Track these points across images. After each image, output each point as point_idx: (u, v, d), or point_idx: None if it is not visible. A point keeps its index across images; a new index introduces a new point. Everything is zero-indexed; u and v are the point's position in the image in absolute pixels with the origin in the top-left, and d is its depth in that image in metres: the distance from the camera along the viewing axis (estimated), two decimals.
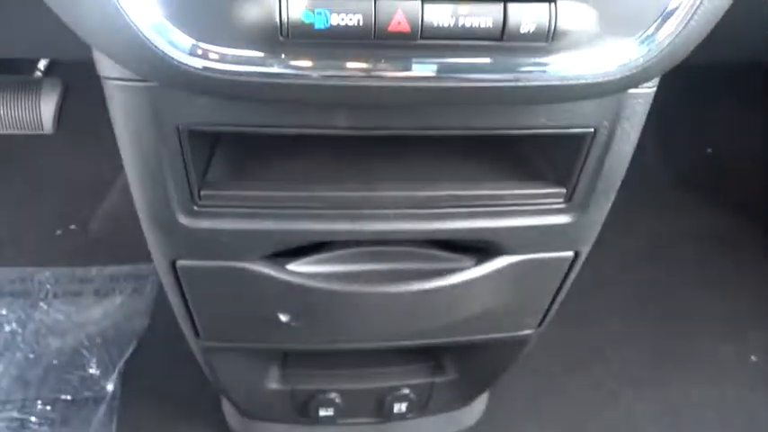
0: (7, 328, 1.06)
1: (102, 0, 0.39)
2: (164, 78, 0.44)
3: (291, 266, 0.61)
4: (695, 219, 1.35)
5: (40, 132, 1.32)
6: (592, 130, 0.53)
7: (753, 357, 1.15)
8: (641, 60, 0.43)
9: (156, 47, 0.40)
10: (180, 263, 0.60)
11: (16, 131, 1.30)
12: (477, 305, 0.68)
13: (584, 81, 0.44)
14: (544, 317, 0.73)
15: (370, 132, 0.52)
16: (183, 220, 0.56)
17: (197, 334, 0.69)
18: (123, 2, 0.39)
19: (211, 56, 0.41)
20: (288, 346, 0.73)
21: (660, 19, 0.42)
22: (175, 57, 0.41)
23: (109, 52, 0.44)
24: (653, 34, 0.43)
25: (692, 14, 0.42)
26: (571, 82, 0.44)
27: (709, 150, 1.42)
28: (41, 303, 1.12)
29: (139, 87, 0.47)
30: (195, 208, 0.55)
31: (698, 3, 0.42)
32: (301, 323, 0.65)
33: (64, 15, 0.43)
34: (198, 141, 0.52)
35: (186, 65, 0.41)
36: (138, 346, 1.06)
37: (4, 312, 1.07)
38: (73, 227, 1.24)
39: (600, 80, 0.44)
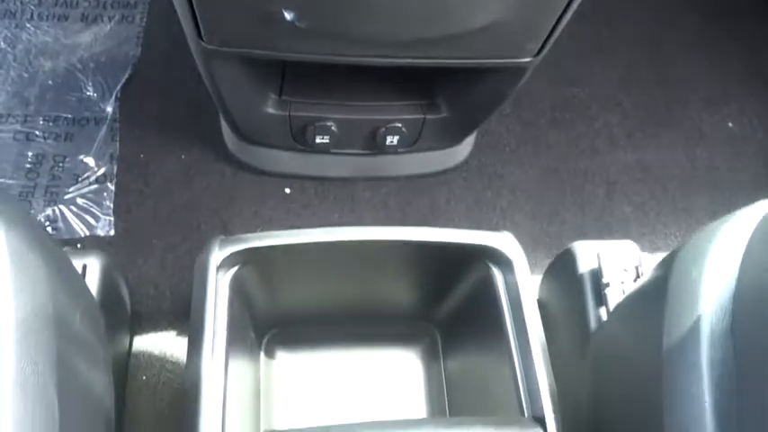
0: None
1: None
2: None
3: None
4: None
5: None
6: None
7: (729, 124, 1.20)
8: None
9: None
10: None
11: None
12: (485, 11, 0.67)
13: None
14: (545, 43, 0.74)
15: None
16: None
17: (200, 35, 0.69)
18: None
19: None
20: (289, 54, 0.73)
21: None
22: None
23: None
24: None
25: None
26: None
27: None
28: (28, 24, 1.08)
29: None
30: None
31: None
32: (305, 23, 0.64)
33: None
34: None
35: None
36: (132, 72, 1.06)
37: None
38: None
39: None
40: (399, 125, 0.95)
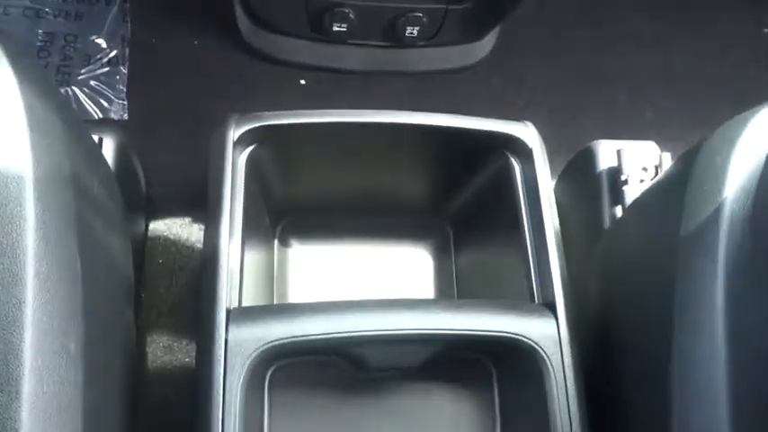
0: None
1: None
2: None
3: None
4: None
5: None
6: None
7: (765, 29, 1.14)
8: None
9: None
10: None
11: None
12: None
13: None
14: None
15: None
16: None
17: None
18: None
19: None
20: None
21: None
22: None
23: None
24: None
25: None
26: None
27: None
28: None
29: None
30: None
31: None
32: None
33: None
34: None
35: None
36: None
37: None
38: None
39: None
40: (420, 14, 0.92)
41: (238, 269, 0.54)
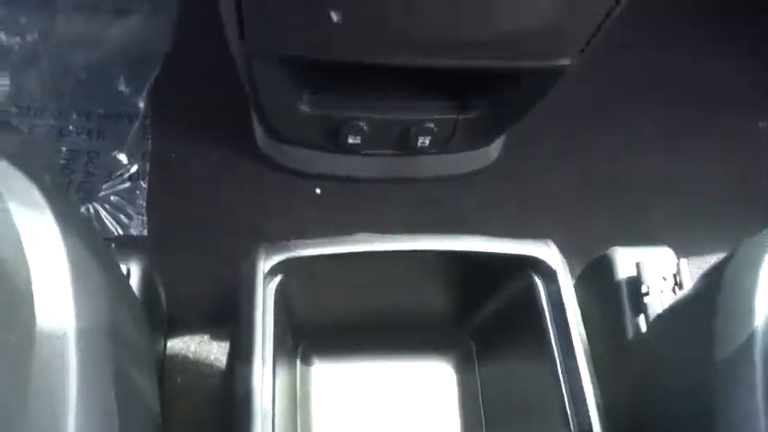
0: (30, 39, 1.04)
1: None
2: None
3: None
4: None
5: None
6: None
7: (761, 123, 1.19)
8: None
9: None
10: None
11: None
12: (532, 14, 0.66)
13: None
14: (587, 44, 0.73)
15: None
16: None
17: (242, 37, 0.68)
18: None
19: None
20: (332, 56, 0.73)
21: None
22: None
23: None
24: None
25: None
26: None
27: None
28: (60, 16, 1.08)
29: None
30: None
31: None
32: (352, 24, 0.64)
33: None
34: None
35: None
36: (164, 67, 1.06)
37: (24, 22, 1.05)
38: None
39: None
40: (432, 125, 0.95)
41: (270, 405, 0.53)
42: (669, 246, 1.00)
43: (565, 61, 0.76)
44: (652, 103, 1.16)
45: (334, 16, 0.62)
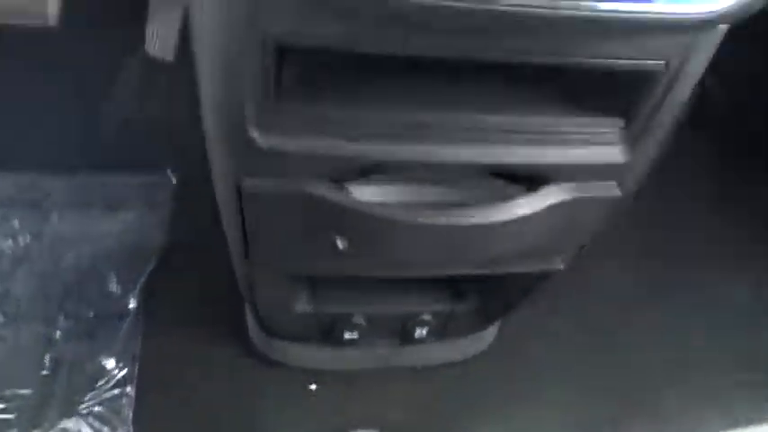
0: (22, 241, 1.04)
1: None
2: None
3: (352, 188, 0.61)
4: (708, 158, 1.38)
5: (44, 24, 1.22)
6: (663, 63, 0.52)
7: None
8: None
9: None
10: (245, 183, 0.59)
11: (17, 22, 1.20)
12: (521, 237, 0.68)
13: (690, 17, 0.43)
14: (576, 254, 0.75)
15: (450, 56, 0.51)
16: (255, 133, 0.54)
17: (246, 255, 0.69)
18: None
19: None
20: (333, 273, 0.74)
21: None
22: None
23: None
24: None
25: None
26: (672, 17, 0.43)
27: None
28: (52, 214, 1.09)
29: None
30: (269, 120, 0.54)
31: None
32: (354, 250, 0.65)
33: None
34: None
35: None
36: (157, 263, 1.06)
37: (17, 225, 1.05)
38: (82, 130, 1.18)
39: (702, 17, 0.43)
40: (428, 317, 0.95)
41: None
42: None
43: (558, 266, 0.78)
44: (635, 284, 1.19)
45: (340, 244, 0.64)
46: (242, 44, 0.48)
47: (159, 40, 0.98)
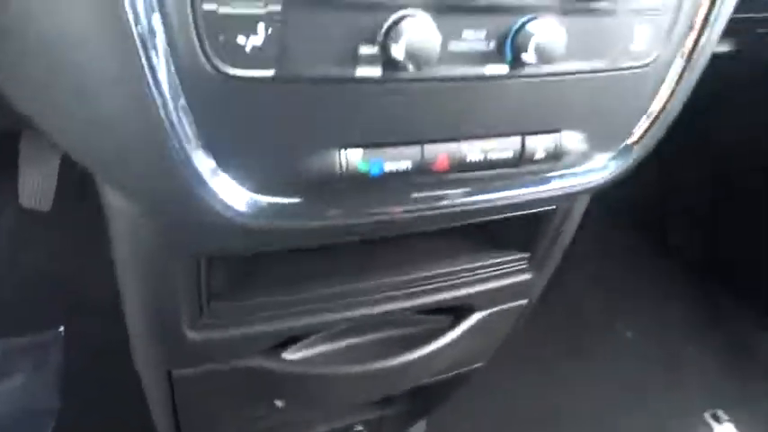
0: None
1: (170, 151, 0.37)
2: (211, 226, 0.44)
3: (286, 355, 0.63)
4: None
5: None
6: (554, 207, 0.61)
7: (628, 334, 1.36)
8: (618, 168, 0.52)
9: (216, 198, 0.40)
10: (177, 373, 0.59)
11: None
12: (447, 357, 0.74)
13: (579, 188, 0.51)
14: (494, 353, 0.82)
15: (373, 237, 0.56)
16: (189, 332, 0.55)
17: None
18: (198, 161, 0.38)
19: (265, 206, 0.42)
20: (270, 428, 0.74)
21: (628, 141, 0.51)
22: (232, 208, 0.41)
23: (154, 193, 0.42)
24: (629, 146, 0.52)
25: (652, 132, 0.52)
26: (568, 190, 0.51)
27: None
28: None
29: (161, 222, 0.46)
30: (203, 321, 0.55)
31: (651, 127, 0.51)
32: (290, 408, 0.67)
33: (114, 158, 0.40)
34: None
35: (240, 215, 0.41)
36: (55, 426, 0.97)
37: None
38: None
39: (590, 186, 0.52)
40: (361, 428, 0.96)
41: None
42: None
43: (479, 364, 0.84)
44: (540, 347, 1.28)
45: (279, 404, 0.65)
46: (174, 262, 0.49)
47: (35, 191, 0.94)
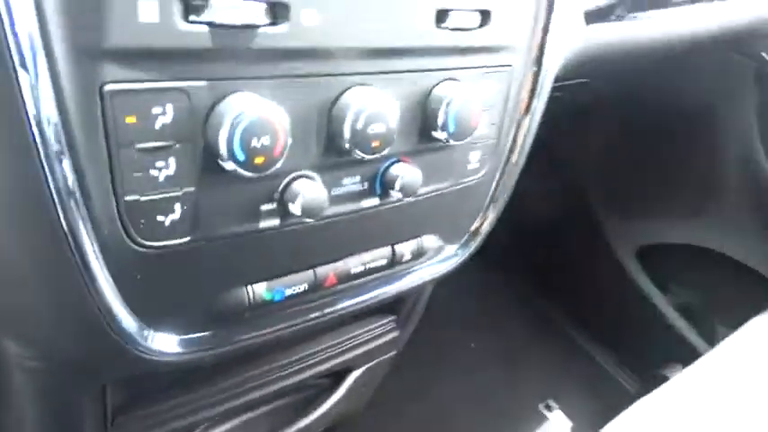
0: None
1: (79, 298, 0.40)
2: (118, 366, 0.48)
3: None
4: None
5: None
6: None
7: (472, 344, 1.54)
8: (465, 252, 0.64)
9: (143, 347, 0.44)
10: None
11: None
12: (333, 413, 0.83)
13: (437, 274, 0.63)
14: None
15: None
16: None
17: None
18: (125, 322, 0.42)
19: (184, 341, 0.47)
20: None
21: (470, 233, 0.64)
22: (157, 351, 0.46)
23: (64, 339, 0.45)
24: (471, 236, 0.64)
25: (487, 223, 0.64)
26: (429, 277, 0.62)
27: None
28: None
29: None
30: None
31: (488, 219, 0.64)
32: None
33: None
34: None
35: (162, 354, 0.46)
36: None
37: None
38: None
39: (446, 270, 0.64)
40: None
41: None
42: None
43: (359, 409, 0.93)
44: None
45: None
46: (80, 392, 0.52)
47: None
